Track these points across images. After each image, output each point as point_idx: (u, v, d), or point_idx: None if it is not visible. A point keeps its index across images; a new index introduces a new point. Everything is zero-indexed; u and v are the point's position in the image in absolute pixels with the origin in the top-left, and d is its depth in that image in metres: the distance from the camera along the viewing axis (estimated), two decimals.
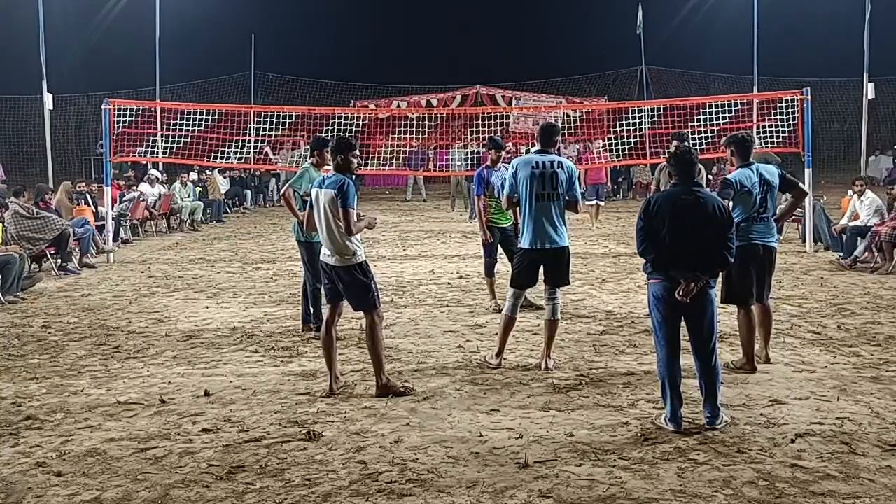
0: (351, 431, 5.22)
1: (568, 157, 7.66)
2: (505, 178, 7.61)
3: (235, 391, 6.12)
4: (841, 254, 11.64)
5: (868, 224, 11.30)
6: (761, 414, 5.40)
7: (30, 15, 19.62)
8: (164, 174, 19.42)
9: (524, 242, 6.52)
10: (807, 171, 12.78)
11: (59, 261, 11.69)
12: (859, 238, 11.30)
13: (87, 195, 14.49)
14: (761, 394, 5.81)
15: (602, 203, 16.85)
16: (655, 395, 5.60)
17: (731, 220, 5.30)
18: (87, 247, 12.61)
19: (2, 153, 27.50)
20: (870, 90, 20.33)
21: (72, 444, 5.09)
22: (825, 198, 14.30)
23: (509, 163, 7.25)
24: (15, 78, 28.59)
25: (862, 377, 6.20)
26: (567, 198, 6.48)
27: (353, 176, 6.06)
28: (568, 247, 6.57)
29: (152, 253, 14.05)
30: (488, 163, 8.84)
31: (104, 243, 13.25)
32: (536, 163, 6.44)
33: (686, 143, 8.10)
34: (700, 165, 5.82)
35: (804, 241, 12.98)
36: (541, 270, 6.60)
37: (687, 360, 5.39)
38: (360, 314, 6.43)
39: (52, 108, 20.24)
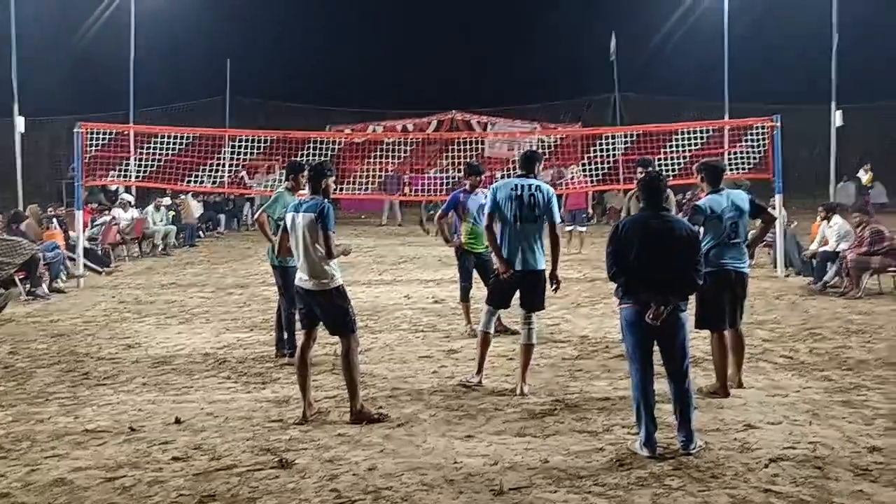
0: (324, 459, 5.16)
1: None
2: (481, 204, 7.87)
3: (207, 418, 6.03)
4: (811, 279, 11.77)
5: (837, 249, 11.45)
6: (735, 438, 5.42)
7: (2, 38, 19.48)
8: (134, 198, 19.24)
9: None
10: (777, 196, 12.94)
11: (29, 285, 11.51)
12: (829, 263, 11.45)
13: (56, 219, 14.31)
14: (735, 418, 5.84)
15: (583, 230, 16.81)
16: (630, 420, 5.59)
17: (698, 243, 5.38)
18: (58, 271, 12.44)
19: None
20: (837, 118, 20.71)
21: (38, 474, 4.98)
22: (795, 223, 14.49)
23: (486, 188, 7.37)
24: None
25: (833, 401, 6.25)
26: (545, 220, 6.58)
27: (329, 200, 6.06)
28: (544, 271, 6.63)
29: (124, 278, 13.88)
30: (466, 187, 8.86)
31: (76, 268, 13.07)
32: (516, 185, 6.59)
33: (651, 169, 8.25)
34: (669, 191, 5.91)
35: (776, 266, 13.12)
36: (516, 294, 6.63)
37: (661, 385, 5.41)
38: (335, 340, 6.39)
39: (23, 131, 20.04)
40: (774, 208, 12.14)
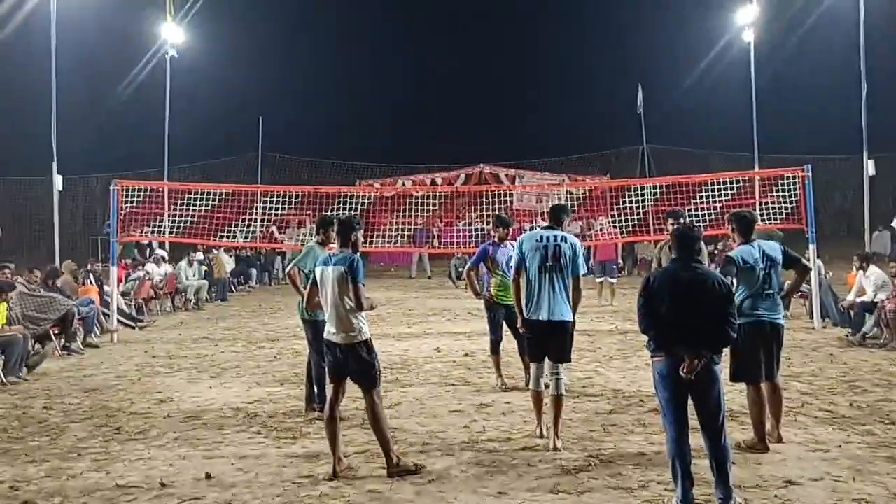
0: None
1: (572, 234, 7.82)
2: (510, 256, 8.00)
3: (237, 474, 6.00)
4: (849, 330, 11.54)
5: (875, 300, 11.24)
6: (775, 496, 5.27)
7: (43, 98, 20.08)
8: (168, 254, 19.53)
9: (528, 314, 6.67)
10: (811, 247, 12.79)
11: (63, 340, 11.64)
12: (867, 314, 11.23)
13: (92, 275, 14.53)
14: (774, 474, 5.68)
15: (613, 281, 16.70)
16: (666, 476, 5.46)
17: (731, 295, 5.29)
18: (92, 326, 12.58)
19: (11, 233, 27.71)
20: (870, 167, 20.50)
21: None
22: (831, 274, 14.27)
23: (515, 240, 7.46)
24: (25, 160, 29.09)
25: (877, 456, 6.06)
26: (571, 272, 6.65)
27: (358, 253, 6.11)
28: (571, 322, 6.68)
29: (156, 332, 14.00)
30: (495, 239, 8.89)
31: (110, 323, 13.19)
32: (541, 237, 6.73)
33: (682, 221, 8.23)
34: (701, 242, 5.87)
35: (812, 318, 12.90)
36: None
37: (697, 440, 5.29)
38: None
39: (61, 189, 20.48)
40: (809, 259, 12.01)
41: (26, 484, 5.89)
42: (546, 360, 6.66)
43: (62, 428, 7.52)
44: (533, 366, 6.77)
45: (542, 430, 6.75)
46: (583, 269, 6.77)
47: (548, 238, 6.70)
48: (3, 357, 9.75)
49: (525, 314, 6.72)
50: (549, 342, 6.63)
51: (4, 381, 9.51)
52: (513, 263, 6.98)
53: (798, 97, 32.14)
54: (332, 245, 7.65)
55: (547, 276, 6.60)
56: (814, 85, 31.52)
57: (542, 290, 6.59)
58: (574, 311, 6.75)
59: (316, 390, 7.75)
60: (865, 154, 20.65)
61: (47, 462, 6.42)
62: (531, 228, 18.83)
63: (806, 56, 30.67)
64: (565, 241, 6.69)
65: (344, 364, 5.95)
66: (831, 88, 28.25)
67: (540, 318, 6.58)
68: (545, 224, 7.03)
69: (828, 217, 28.93)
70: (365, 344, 5.93)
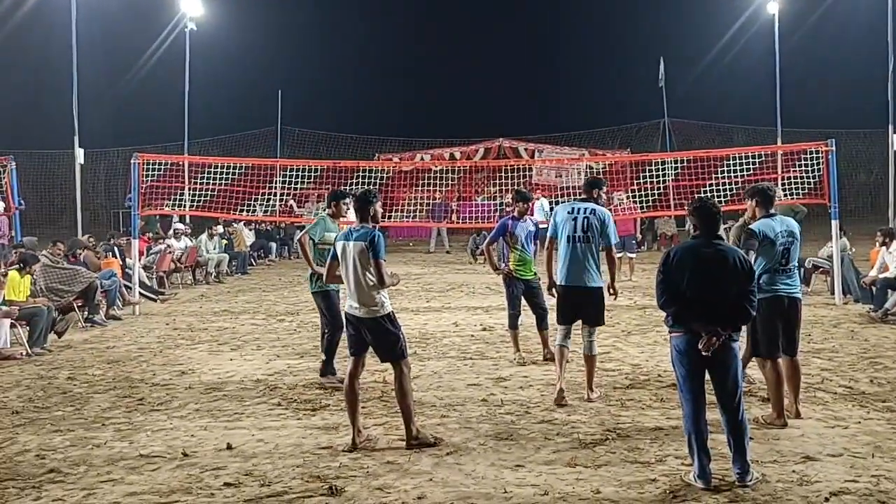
0: (373, 487, 5.15)
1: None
2: (530, 231, 8.65)
3: (258, 445, 6.08)
4: (871, 306, 11.44)
5: None
6: (793, 471, 5.27)
7: (63, 72, 20.19)
8: (190, 226, 19.66)
9: (559, 279, 7.19)
10: (833, 222, 12.66)
11: (86, 312, 11.79)
12: (889, 290, 11.12)
13: (117, 248, 14.65)
14: (793, 450, 5.68)
15: (633, 256, 16.62)
16: (683, 450, 5.47)
17: (752, 272, 5.25)
18: (114, 299, 12.71)
19: (33, 207, 28.06)
20: (895, 142, 20.20)
21: (94, 499, 5.07)
22: (854, 250, 14.11)
23: (533, 215, 7.64)
24: (47, 134, 29.31)
25: None
26: (601, 242, 7.09)
27: (377, 227, 6.14)
28: (600, 288, 7.10)
29: (178, 305, 14.13)
30: (514, 214, 8.87)
31: (132, 296, 13.32)
32: (573, 209, 7.19)
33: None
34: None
35: (833, 294, 12.80)
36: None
37: (715, 415, 5.29)
38: (383, 367, 6.40)
39: (83, 162, 20.64)
40: (832, 234, 11.89)
41: (52, 452, 6.00)
42: (582, 324, 7.12)
43: (86, 398, 7.64)
44: (560, 327, 7.13)
45: (560, 386, 6.94)
46: (614, 240, 7.17)
47: (579, 210, 7.12)
48: (27, 328, 9.90)
49: (557, 281, 7.21)
50: (580, 307, 7.07)
51: (30, 352, 9.66)
52: (548, 233, 7.38)
53: (822, 71, 31.66)
54: (343, 218, 7.78)
55: (577, 245, 7.03)
56: (839, 58, 31.03)
57: (572, 259, 7.04)
58: (612, 278, 7.26)
59: (326, 358, 7.90)
60: (891, 129, 20.35)
61: (72, 431, 6.53)
62: (550, 203, 18.81)
63: (831, 29, 30.15)
64: (594, 214, 7.08)
65: (367, 338, 5.99)
66: (857, 62, 27.79)
67: (569, 284, 7.07)
68: (581, 197, 7.42)
69: (851, 192, 28.63)
70: (388, 317, 5.96)
